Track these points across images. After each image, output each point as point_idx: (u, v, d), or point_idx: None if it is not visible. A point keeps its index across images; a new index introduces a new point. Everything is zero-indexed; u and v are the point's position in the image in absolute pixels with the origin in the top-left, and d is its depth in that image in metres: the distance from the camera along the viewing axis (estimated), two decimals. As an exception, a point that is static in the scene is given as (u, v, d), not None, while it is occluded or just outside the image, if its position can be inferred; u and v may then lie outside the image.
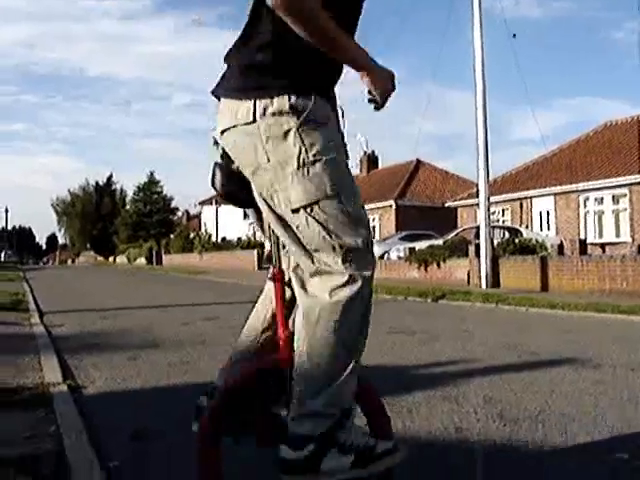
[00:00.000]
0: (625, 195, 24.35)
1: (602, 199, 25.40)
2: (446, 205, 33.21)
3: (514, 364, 5.43)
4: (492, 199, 28.60)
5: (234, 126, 1.99)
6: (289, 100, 1.93)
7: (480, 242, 16.82)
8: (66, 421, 3.41)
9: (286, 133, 1.92)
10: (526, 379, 4.80)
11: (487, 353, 5.94)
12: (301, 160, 1.90)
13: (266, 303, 2.28)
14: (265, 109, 1.93)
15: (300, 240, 1.97)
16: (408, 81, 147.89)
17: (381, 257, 24.33)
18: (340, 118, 2.12)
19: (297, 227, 1.95)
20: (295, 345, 1.96)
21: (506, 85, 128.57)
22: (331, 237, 1.91)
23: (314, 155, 1.91)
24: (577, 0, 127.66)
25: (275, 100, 1.93)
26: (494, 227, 23.20)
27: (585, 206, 26.12)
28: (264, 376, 2.10)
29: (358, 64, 1.98)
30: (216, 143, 2.14)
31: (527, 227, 26.60)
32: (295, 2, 1.82)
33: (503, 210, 29.68)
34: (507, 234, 23.24)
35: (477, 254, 17.13)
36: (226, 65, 2.08)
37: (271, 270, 2.15)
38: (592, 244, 23.59)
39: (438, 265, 19.52)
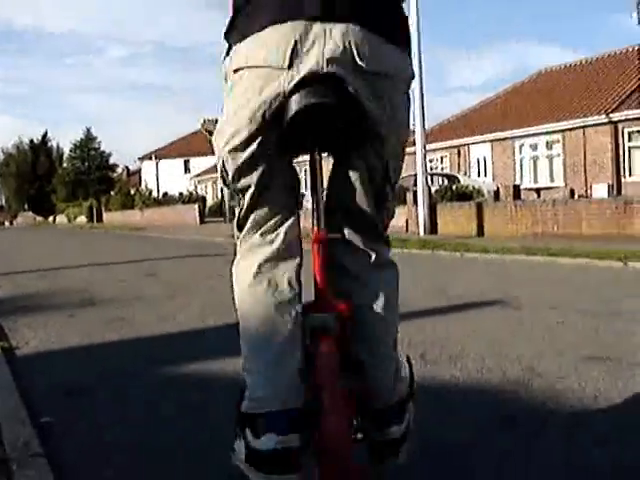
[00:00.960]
0: (558, 141, 24.87)
1: (536, 145, 25.92)
2: (386, 154, 33.40)
3: (441, 307, 5.64)
4: (430, 147, 28.93)
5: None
6: None
7: (417, 190, 17.07)
8: (-3, 381, 3.46)
9: None
10: (451, 321, 5.01)
11: (417, 298, 6.14)
12: None
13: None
14: None
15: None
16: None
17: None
18: None
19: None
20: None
21: (447, 29, 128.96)
22: None
23: None
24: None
25: None
26: (432, 175, 23.55)
27: (520, 152, 26.62)
28: None
29: None
30: None
31: (465, 174, 27.01)
32: None
33: (442, 157, 30.04)
34: (446, 181, 23.57)
35: (415, 202, 17.41)
36: None
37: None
38: (527, 189, 24.13)
39: (377, 214, 19.75)
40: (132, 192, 48.99)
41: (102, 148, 68.05)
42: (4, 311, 6.15)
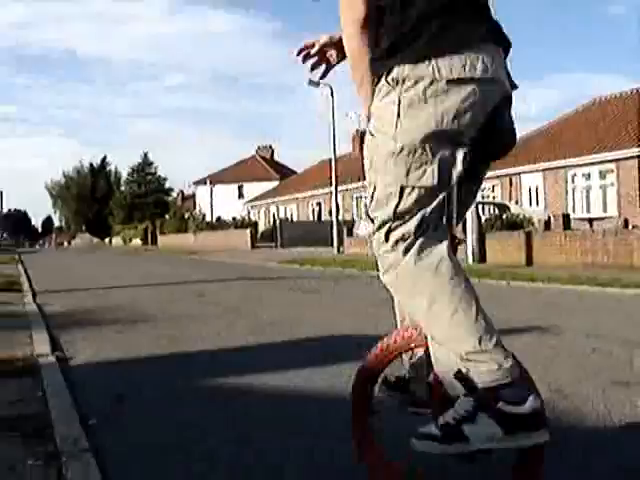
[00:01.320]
0: (612, 171, 24.62)
1: (589, 174, 25.68)
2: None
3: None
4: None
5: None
6: None
7: (467, 219, 17.09)
8: (52, 387, 3.70)
9: None
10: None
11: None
12: None
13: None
14: None
15: None
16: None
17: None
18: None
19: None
20: None
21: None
22: None
23: None
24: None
25: None
26: (482, 203, 23.51)
27: (573, 182, 26.41)
28: None
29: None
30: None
31: (516, 203, 26.89)
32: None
33: (493, 186, 29.94)
34: (496, 210, 23.51)
35: (465, 230, 17.43)
36: None
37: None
38: (580, 219, 23.92)
39: (427, 241, 19.86)
40: (186, 216, 49.90)
41: (158, 172, 69.62)
42: (61, 325, 6.46)
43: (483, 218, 19.85)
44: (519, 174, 28.39)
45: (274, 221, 40.48)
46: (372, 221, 1.93)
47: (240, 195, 61.80)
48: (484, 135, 1.87)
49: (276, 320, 6.78)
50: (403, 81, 1.85)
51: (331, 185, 28.31)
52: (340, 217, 31.72)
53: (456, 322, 1.85)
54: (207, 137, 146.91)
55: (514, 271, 13.00)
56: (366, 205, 1.98)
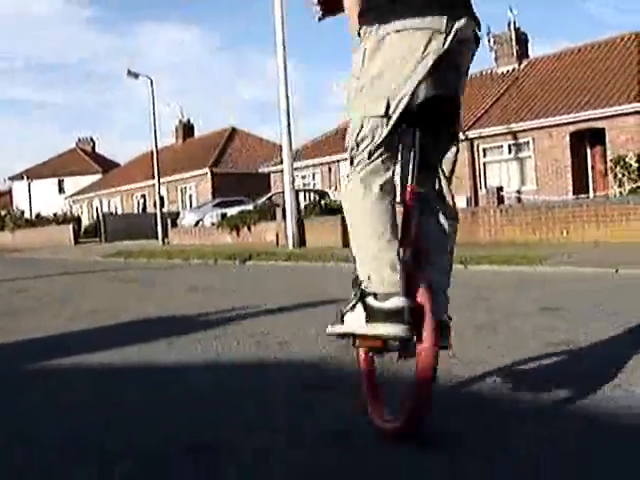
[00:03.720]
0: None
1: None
2: (259, 171, 34.23)
3: (286, 306, 6.36)
4: (303, 163, 30.03)
5: None
6: None
7: (286, 205, 17.90)
8: None
9: None
10: (294, 315, 5.75)
11: (267, 300, 6.85)
12: None
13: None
14: None
15: None
16: (228, 47, 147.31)
17: (196, 224, 25.00)
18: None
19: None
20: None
21: (325, 48, 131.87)
22: None
23: None
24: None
25: None
26: (302, 190, 24.52)
27: (388, 167, 28.02)
28: None
29: None
30: None
31: (335, 189, 28.16)
32: None
33: (314, 174, 31.12)
34: (316, 197, 24.59)
35: (284, 217, 18.23)
36: None
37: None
38: (395, 203, 25.47)
39: (249, 229, 20.55)
40: (2, 213, 47.53)
41: (-31, 169, 65.55)
42: None
43: (303, 204, 20.81)
44: (338, 162, 29.68)
45: (98, 215, 39.62)
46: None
47: (61, 190, 59.65)
48: (427, 83, 2.36)
49: (99, 308, 7.07)
50: (367, 35, 2.45)
51: (154, 177, 28.28)
52: (165, 209, 31.72)
53: (365, 244, 2.43)
54: (27, 130, 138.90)
55: (329, 253, 13.86)
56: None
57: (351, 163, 2.48)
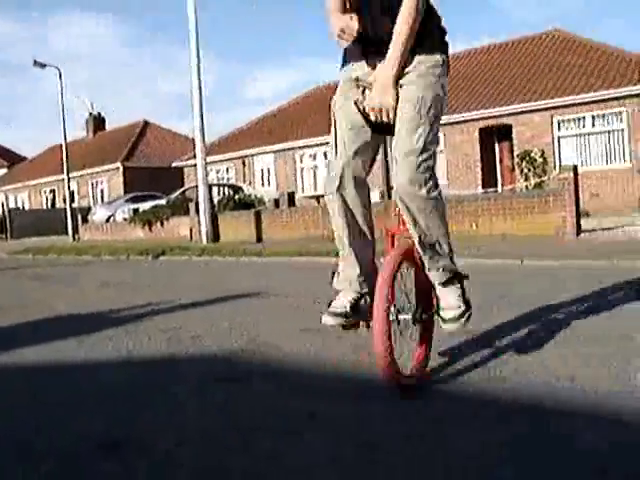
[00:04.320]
0: (335, 151, 26.57)
1: (315, 155, 27.53)
2: (173, 166, 33.79)
3: (199, 301, 6.33)
4: (217, 157, 29.84)
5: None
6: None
7: (199, 200, 17.73)
8: None
9: None
10: (208, 310, 5.73)
11: (180, 295, 6.79)
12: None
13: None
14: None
15: None
16: (144, 39, 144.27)
17: (107, 220, 24.49)
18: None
19: None
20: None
21: (242, 44, 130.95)
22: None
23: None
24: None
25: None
26: (215, 185, 24.35)
27: (301, 162, 28.14)
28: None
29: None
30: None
31: (250, 183, 28.11)
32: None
33: (227, 168, 30.95)
34: (230, 191, 24.46)
35: (198, 211, 18.06)
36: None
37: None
38: (309, 197, 25.68)
39: (162, 224, 20.29)
40: None
41: None
42: None
43: (217, 199, 20.68)
44: (252, 156, 29.62)
45: (3, 211, 38.26)
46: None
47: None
48: None
49: (4, 306, 6.87)
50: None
51: (63, 171, 27.53)
52: (75, 204, 30.94)
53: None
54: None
55: (244, 248, 13.84)
56: None
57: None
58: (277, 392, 3.08)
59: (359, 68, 2.97)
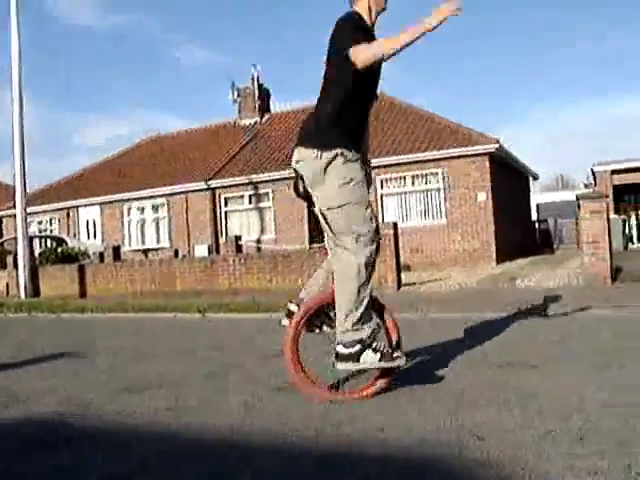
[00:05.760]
0: (164, 205, 26.32)
1: (144, 208, 27.09)
2: (-9, 215, 31.97)
3: (19, 360, 6.03)
4: (40, 208, 28.63)
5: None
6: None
7: (18, 252, 16.91)
8: None
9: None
10: (20, 371, 5.47)
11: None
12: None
13: (323, 266, 4.35)
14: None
15: (332, 228, 3.75)
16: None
17: None
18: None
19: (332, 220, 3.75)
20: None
21: (74, 92, 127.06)
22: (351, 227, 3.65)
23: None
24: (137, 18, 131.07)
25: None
26: (35, 237, 23.30)
27: (129, 214, 27.56)
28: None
29: (420, 37, 3.32)
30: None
31: (75, 236, 27.11)
32: (368, 60, 3.39)
33: (51, 219, 29.70)
34: (54, 243, 23.48)
35: (16, 265, 17.19)
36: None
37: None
38: (135, 250, 25.20)
39: (-25, 278, 19.07)
40: None
41: None
42: None
43: (38, 251, 19.78)
44: (77, 207, 28.65)
45: None
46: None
47: None
48: None
49: None
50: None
51: None
52: None
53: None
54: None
55: (66, 303, 13.32)
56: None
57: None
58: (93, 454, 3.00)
59: None
